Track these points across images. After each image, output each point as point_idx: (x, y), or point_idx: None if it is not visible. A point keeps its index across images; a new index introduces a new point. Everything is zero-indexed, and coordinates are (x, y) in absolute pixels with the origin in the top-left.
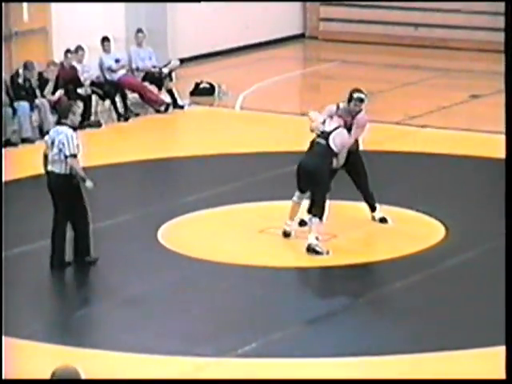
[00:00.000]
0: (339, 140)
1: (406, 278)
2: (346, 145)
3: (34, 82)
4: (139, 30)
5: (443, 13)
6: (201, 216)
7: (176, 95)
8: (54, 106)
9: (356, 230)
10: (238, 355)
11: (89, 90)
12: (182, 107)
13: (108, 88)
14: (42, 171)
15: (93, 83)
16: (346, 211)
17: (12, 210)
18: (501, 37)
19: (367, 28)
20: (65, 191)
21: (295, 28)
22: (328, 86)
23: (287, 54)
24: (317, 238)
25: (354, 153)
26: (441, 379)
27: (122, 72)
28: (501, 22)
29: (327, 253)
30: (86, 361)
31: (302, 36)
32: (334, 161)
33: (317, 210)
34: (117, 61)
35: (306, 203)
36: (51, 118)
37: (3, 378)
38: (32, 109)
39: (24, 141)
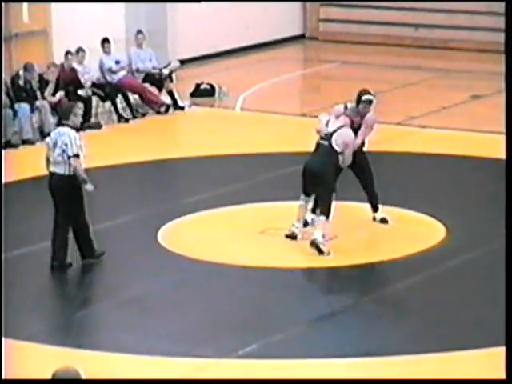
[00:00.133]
0: (341, 140)
1: (407, 279)
2: (349, 144)
3: (35, 84)
4: (139, 32)
5: (443, 13)
6: (201, 217)
7: (176, 96)
8: (55, 108)
9: (357, 231)
10: (239, 356)
11: (89, 92)
12: (182, 108)
13: (108, 89)
14: (43, 173)
15: (93, 84)
16: (347, 212)
17: (12, 212)
18: (501, 37)
19: (367, 29)
20: (67, 193)
21: (295, 29)
22: (328, 86)
23: (287, 55)
24: (322, 236)
25: (359, 152)
26: (442, 379)
27: (122, 73)
28: (501, 22)
29: (328, 253)
30: (86, 362)
31: (302, 37)
32: (340, 159)
33: (323, 209)
34: (117, 62)
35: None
36: (52, 120)
37: (3, 378)
38: (32, 110)
39: (24, 142)
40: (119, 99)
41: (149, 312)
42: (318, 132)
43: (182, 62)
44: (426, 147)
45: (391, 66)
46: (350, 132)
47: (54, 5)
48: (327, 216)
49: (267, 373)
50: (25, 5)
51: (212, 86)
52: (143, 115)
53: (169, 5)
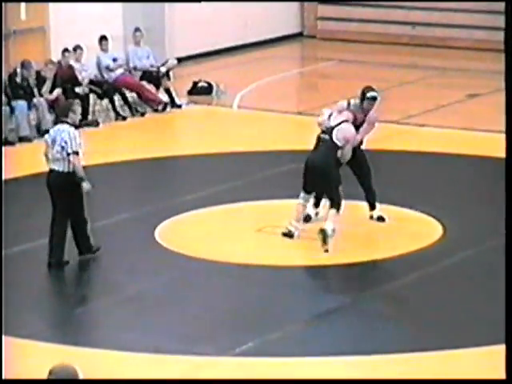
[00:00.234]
0: (342, 134)
1: (404, 277)
2: (349, 139)
3: (32, 81)
4: (137, 29)
5: (441, 12)
6: (198, 215)
7: (174, 94)
8: (52, 105)
9: (354, 229)
10: (236, 354)
11: (86, 89)
12: (179, 106)
13: (106, 87)
14: (40, 170)
15: (91, 82)
16: (344, 210)
17: (10, 209)
18: (498, 36)
19: (365, 27)
20: (65, 189)
21: (293, 27)
22: (326, 84)
23: (285, 53)
24: (333, 230)
25: (358, 149)
26: (440, 379)
27: (119, 71)
28: (498, 20)
29: (326, 251)
30: (84, 360)
31: (299, 35)
32: (339, 155)
33: (333, 202)
34: (114, 60)
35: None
36: (49, 117)
37: (3, 377)
38: (30, 108)
39: (21, 139)
40: (117, 97)
41: (146, 310)
42: (320, 124)
43: (180, 59)
44: (423, 146)
45: (388, 64)
46: (351, 127)
47: (51, 2)
48: (338, 209)
49: (264, 371)
50: (22, 2)
51: (209, 84)
52: (142, 114)
53: (166, 3)
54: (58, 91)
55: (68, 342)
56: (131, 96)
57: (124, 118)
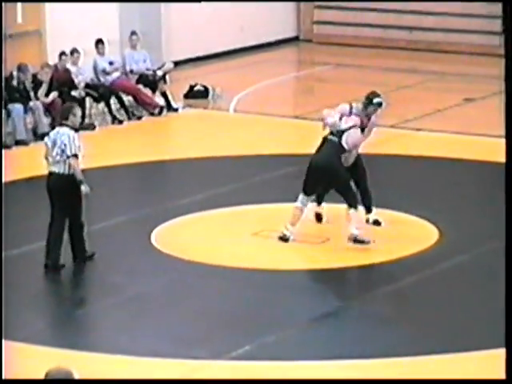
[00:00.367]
0: (351, 140)
1: (400, 281)
2: (358, 145)
3: (28, 85)
4: (133, 33)
5: (438, 16)
6: (194, 219)
7: (170, 98)
8: (48, 109)
9: (349, 233)
10: (232, 358)
11: (83, 93)
12: (176, 110)
13: (102, 90)
14: (37, 173)
15: (87, 85)
16: (340, 214)
17: (7, 212)
18: (495, 40)
19: (361, 31)
20: (65, 192)
21: (289, 31)
22: (322, 89)
23: (281, 57)
24: (357, 229)
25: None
26: (439, 379)
27: (116, 75)
28: (495, 25)
29: (369, 242)
30: (80, 363)
31: (296, 39)
32: (343, 159)
33: (350, 201)
34: (111, 63)
35: (308, 208)
36: (45, 121)
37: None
38: (26, 111)
39: (18, 143)
40: (113, 100)
41: (142, 313)
42: (331, 126)
43: (176, 63)
44: (420, 150)
45: (385, 68)
46: (360, 133)
47: (47, 5)
48: (355, 207)
49: (260, 374)
50: (19, 5)
51: (206, 88)
52: (139, 118)
53: (163, 6)
54: (54, 94)
55: (64, 345)
56: (127, 99)
57: (120, 122)
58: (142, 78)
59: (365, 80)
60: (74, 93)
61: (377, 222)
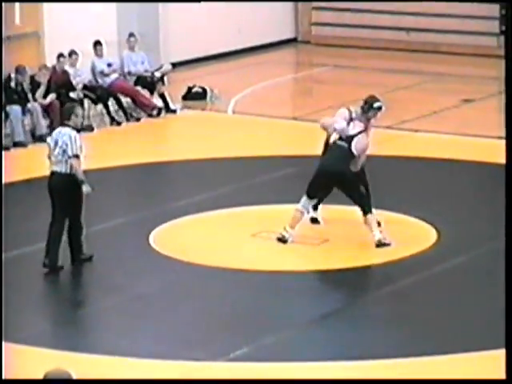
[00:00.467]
0: (360, 146)
1: (398, 282)
2: (366, 150)
3: (26, 86)
4: (131, 34)
5: (435, 17)
6: (192, 220)
7: (168, 99)
8: (46, 110)
9: (348, 234)
10: (230, 359)
11: (81, 94)
12: (174, 111)
13: (100, 92)
14: (35, 175)
15: (85, 87)
16: (338, 215)
17: (5, 213)
18: (493, 41)
19: (359, 32)
20: (66, 191)
21: (287, 32)
22: (320, 90)
23: (279, 59)
24: (380, 232)
25: None
26: (438, 379)
27: (114, 76)
28: (493, 26)
29: (389, 244)
30: (78, 365)
31: (294, 40)
32: (352, 165)
33: (365, 205)
34: (109, 65)
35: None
36: (43, 122)
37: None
38: (24, 113)
39: (16, 144)
40: (111, 102)
41: (141, 315)
42: (341, 131)
43: (174, 64)
44: (417, 151)
45: (383, 69)
46: (366, 138)
47: (46, 6)
48: (370, 211)
49: (259, 376)
50: (17, 6)
51: (204, 89)
52: (137, 120)
53: (161, 7)
54: (52, 96)
55: (64, 347)
56: (126, 101)
57: (119, 123)
58: (140, 80)
59: (363, 81)
60: (72, 94)
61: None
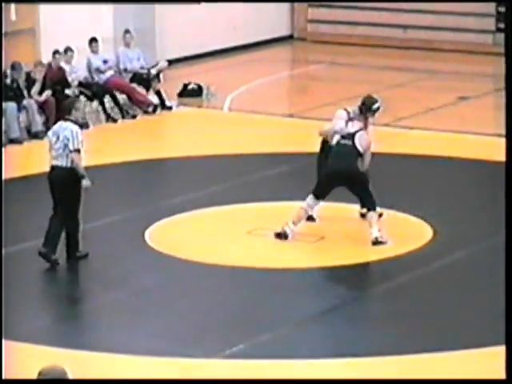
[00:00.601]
0: (364, 142)
1: (394, 280)
2: (369, 147)
3: (22, 83)
4: (127, 31)
5: (431, 15)
6: (188, 217)
7: (164, 96)
8: (42, 107)
9: (344, 232)
10: (226, 356)
11: (76, 91)
12: (169, 108)
13: (96, 89)
14: (31, 172)
15: (80, 84)
16: (334, 212)
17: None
18: (489, 38)
19: (355, 30)
20: (67, 185)
21: (283, 29)
22: (316, 87)
23: (275, 56)
24: (379, 230)
25: None
26: (439, 379)
27: (109, 73)
28: (489, 23)
29: (386, 242)
30: (73, 362)
31: (290, 37)
32: (359, 163)
33: (369, 203)
34: (105, 62)
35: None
36: (39, 119)
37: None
38: (20, 109)
39: (11, 141)
40: (107, 99)
41: (136, 312)
42: (338, 132)
43: (170, 61)
44: (413, 148)
45: (379, 67)
46: (367, 135)
47: (41, 3)
48: (374, 209)
49: (254, 373)
50: (12, 3)
51: (200, 87)
52: (133, 117)
53: (157, 4)
54: (47, 93)
55: (60, 344)
56: (122, 98)
57: (115, 120)
58: (136, 77)
59: (358, 78)
60: (67, 91)
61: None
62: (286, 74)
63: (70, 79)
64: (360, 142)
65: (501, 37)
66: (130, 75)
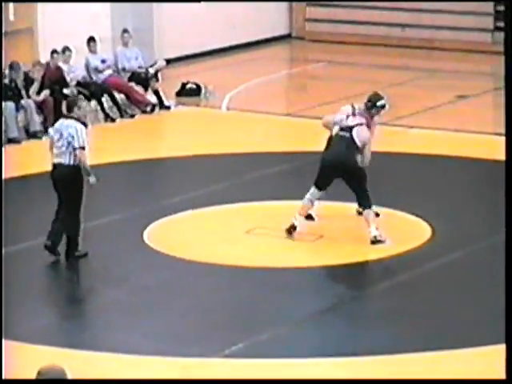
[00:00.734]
0: (361, 136)
1: (393, 279)
2: (367, 142)
3: (20, 83)
4: (125, 31)
5: (430, 13)
6: (187, 217)
7: (162, 96)
8: (40, 107)
9: (342, 231)
10: (225, 355)
11: (74, 91)
12: (168, 108)
13: (94, 88)
14: (29, 172)
15: (79, 83)
16: (332, 211)
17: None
18: (487, 37)
19: (354, 28)
20: (70, 182)
21: (281, 28)
22: (314, 86)
23: (274, 55)
24: (376, 228)
25: None
26: (435, 379)
27: (108, 72)
28: (487, 22)
29: (384, 241)
30: (73, 361)
31: (288, 36)
32: (359, 159)
33: (365, 201)
34: (103, 61)
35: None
36: (37, 119)
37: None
38: (18, 109)
39: (10, 141)
40: (105, 98)
41: (135, 311)
42: (336, 123)
43: (168, 61)
44: (412, 147)
45: (378, 65)
46: (367, 130)
47: (39, 3)
48: (370, 206)
49: (254, 372)
50: (11, 2)
51: (198, 86)
52: (132, 116)
53: (155, 3)
54: (45, 93)
55: (55, 344)
56: (120, 97)
57: (113, 120)
58: (134, 76)
59: (357, 77)
60: (65, 91)
61: (361, 213)
62: (285, 72)
63: (68, 79)
64: (358, 136)
65: (500, 35)
66: (128, 74)
